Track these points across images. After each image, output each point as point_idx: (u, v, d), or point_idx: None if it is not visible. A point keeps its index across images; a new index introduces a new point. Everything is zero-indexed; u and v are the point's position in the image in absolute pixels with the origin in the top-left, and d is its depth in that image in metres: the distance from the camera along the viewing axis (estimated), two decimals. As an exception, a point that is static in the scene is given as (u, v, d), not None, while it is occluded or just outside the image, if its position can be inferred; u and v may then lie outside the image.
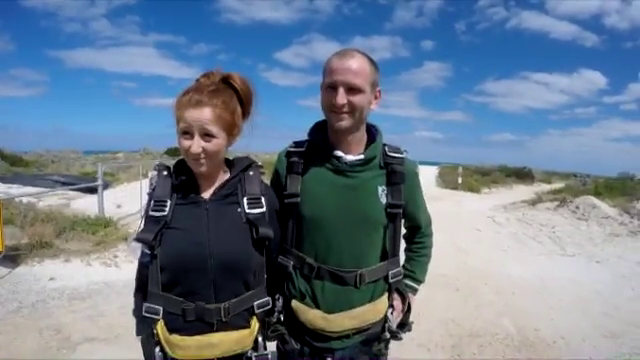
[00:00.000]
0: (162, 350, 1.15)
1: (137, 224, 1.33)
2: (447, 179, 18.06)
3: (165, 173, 1.22)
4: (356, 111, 1.24)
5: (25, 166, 18.26)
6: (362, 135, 1.34)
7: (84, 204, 8.15)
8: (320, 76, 1.30)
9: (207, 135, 1.12)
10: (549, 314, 3.84)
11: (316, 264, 1.30)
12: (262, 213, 1.21)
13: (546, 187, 16.81)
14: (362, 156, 1.31)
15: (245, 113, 1.23)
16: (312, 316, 1.30)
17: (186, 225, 1.16)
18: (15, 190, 9.36)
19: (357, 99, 1.22)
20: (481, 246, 6.51)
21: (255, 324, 1.22)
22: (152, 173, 1.25)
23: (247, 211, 1.19)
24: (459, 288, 4.44)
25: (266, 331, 1.30)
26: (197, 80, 1.20)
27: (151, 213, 1.16)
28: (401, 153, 1.35)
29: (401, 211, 1.35)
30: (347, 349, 1.32)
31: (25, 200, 6.39)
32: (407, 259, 1.50)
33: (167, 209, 1.16)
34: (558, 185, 16.35)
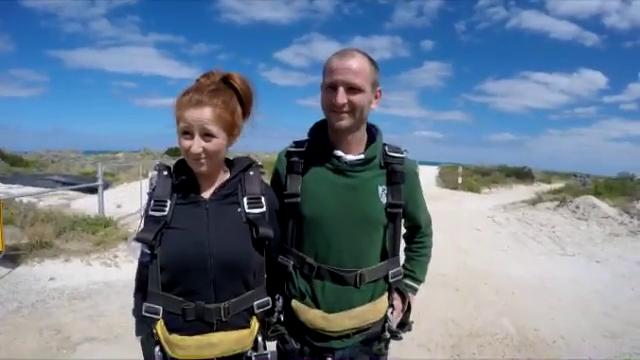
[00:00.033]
0: (162, 350, 1.15)
1: (137, 224, 1.33)
2: (447, 179, 18.05)
3: (165, 173, 1.22)
4: (356, 111, 1.24)
5: (25, 166, 18.25)
6: (362, 135, 1.34)
7: (84, 204, 8.15)
8: (320, 76, 1.30)
9: (207, 135, 1.12)
10: (549, 314, 3.84)
11: (316, 264, 1.30)
12: (262, 213, 1.21)
13: (546, 187, 16.79)
14: (362, 156, 1.31)
15: (245, 113, 1.23)
16: (312, 316, 1.30)
17: (186, 225, 1.16)
18: (15, 190, 9.36)
19: (357, 99, 1.22)
20: (481, 246, 6.51)
21: (255, 324, 1.22)
22: (152, 173, 1.25)
23: (247, 211, 1.19)
24: (459, 288, 4.44)
25: (266, 331, 1.30)
26: (197, 80, 1.20)
27: (151, 213, 1.16)
28: (401, 153, 1.35)
29: (401, 211, 1.35)
30: (347, 349, 1.32)
31: (25, 200, 6.39)
32: (407, 259, 1.50)
33: (167, 209, 1.16)
34: (558, 185, 16.33)
